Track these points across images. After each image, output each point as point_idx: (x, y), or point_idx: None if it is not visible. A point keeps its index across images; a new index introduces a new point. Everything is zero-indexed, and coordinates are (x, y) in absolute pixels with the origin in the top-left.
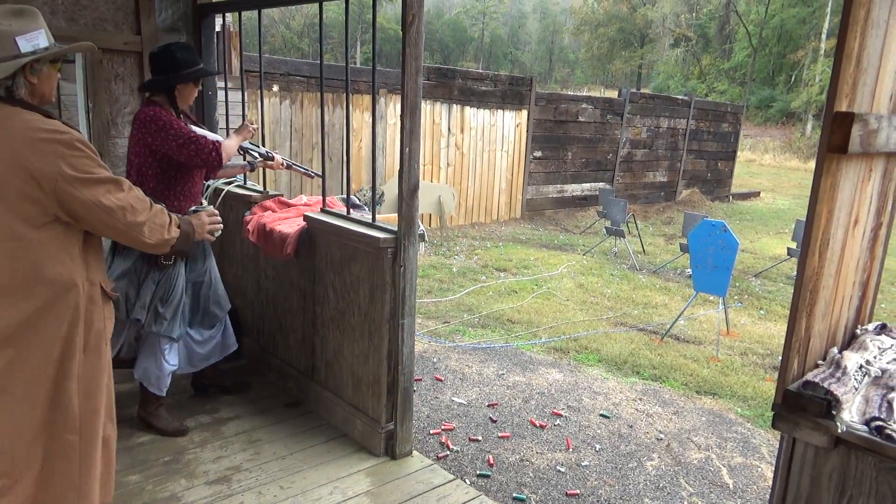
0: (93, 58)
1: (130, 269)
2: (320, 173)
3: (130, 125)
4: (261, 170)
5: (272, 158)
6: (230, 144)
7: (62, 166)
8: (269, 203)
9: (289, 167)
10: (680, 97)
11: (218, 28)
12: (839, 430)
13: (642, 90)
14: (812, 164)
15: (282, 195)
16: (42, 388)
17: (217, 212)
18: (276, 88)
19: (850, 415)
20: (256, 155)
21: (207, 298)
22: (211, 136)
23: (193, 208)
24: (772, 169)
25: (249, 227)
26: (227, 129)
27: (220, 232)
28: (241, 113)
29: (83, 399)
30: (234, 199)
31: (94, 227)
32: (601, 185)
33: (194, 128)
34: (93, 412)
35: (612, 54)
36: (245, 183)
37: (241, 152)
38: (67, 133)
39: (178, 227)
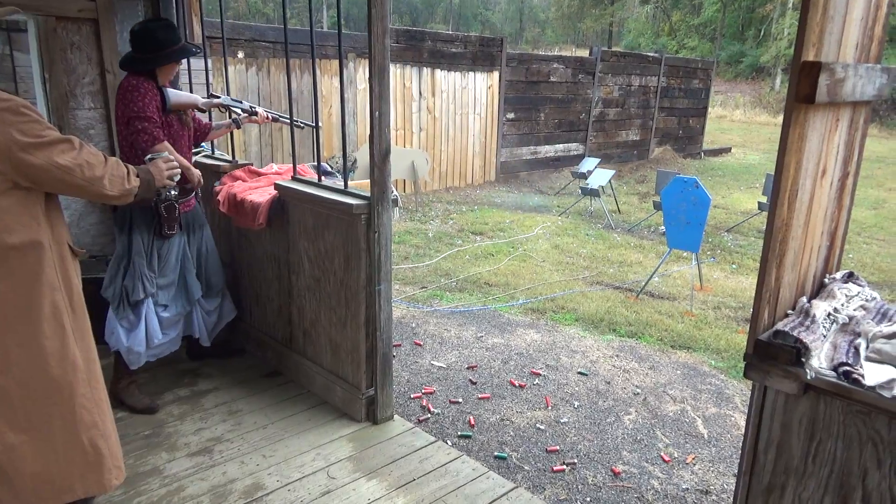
0: (46, 26)
1: (137, 244)
2: (313, 123)
3: (92, 97)
4: (229, 139)
5: (256, 113)
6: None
7: (13, 133)
8: (238, 173)
9: (275, 120)
10: (651, 54)
11: None
12: (808, 377)
13: (613, 48)
14: (781, 119)
15: (251, 164)
16: (42, 348)
17: (172, 158)
18: (241, 55)
19: (819, 361)
20: (240, 111)
21: (208, 267)
22: (177, 94)
23: (149, 156)
24: (742, 124)
25: (220, 197)
26: None
27: (178, 177)
28: (204, 82)
29: (82, 352)
30: (203, 170)
31: (55, 188)
32: (574, 145)
33: (170, 91)
34: (92, 361)
35: (583, 13)
36: (213, 153)
37: (224, 110)
38: (11, 100)
39: (138, 177)
